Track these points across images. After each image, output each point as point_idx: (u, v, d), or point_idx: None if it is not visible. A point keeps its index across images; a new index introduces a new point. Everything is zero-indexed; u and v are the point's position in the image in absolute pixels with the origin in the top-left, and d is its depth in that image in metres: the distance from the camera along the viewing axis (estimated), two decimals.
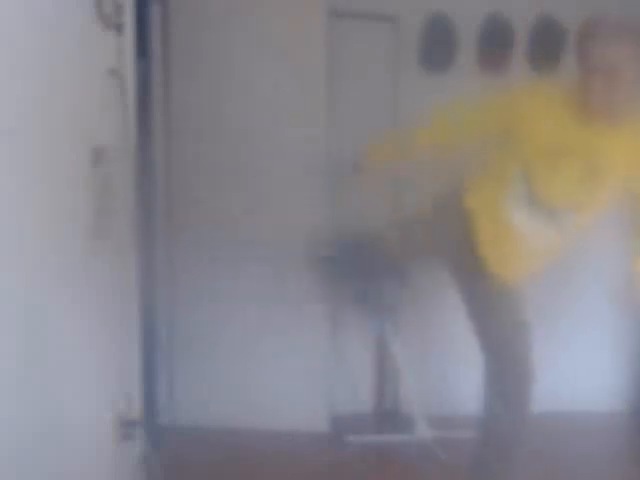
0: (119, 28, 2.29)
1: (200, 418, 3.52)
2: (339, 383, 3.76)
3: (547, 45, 3.69)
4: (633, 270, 2.45)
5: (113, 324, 2.36)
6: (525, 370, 2.54)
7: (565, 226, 2.48)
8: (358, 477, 3.18)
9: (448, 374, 3.78)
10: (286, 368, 3.52)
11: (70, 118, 1.92)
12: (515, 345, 2.58)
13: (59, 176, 1.84)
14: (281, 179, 3.49)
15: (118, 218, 2.33)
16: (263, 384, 3.53)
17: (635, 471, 3.25)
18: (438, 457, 3.27)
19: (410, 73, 3.70)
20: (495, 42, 3.66)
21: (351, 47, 3.67)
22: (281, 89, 3.46)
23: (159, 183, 3.52)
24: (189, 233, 3.52)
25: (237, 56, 3.45)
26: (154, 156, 3.48)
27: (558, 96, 2.39)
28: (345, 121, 3.66)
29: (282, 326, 3.51)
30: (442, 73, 3.68)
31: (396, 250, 2.97)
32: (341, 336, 3.79)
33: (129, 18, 2.47)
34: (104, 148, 2.16)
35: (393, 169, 3.05)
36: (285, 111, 3.46)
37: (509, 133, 2.41)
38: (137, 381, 2.67)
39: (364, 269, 3.60)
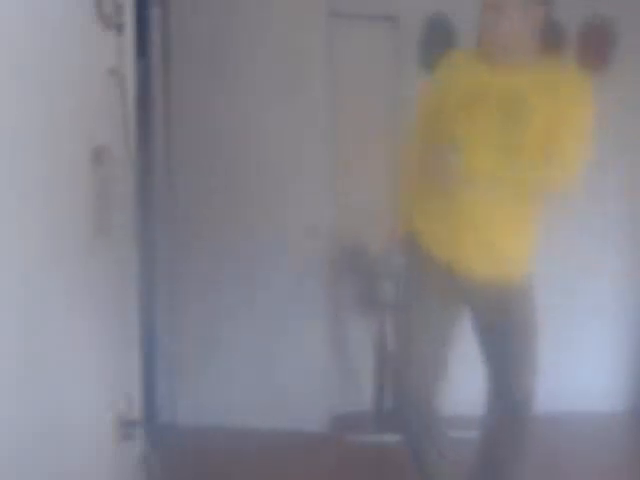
0: (119, 28, 2.29)
1: (200, 418, 3.52)
2: (339, 383, 3.77)
3: (547, 45, 3.68)
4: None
5: (113, 324, 2.36)
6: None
7: (506, 193, 2.27)
8: (358, 477, 3.18)
9: (448, 374, 3.77)
10: (286, 368, 3.52)
11: (70, 118, 1.92)
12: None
13: (59, 176, 1.85)
14: (281, 178, 3.49)
15: (118, 218, 2.33)
16: (263, 384, 3.53)
17: (635, 471, 3.25)
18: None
19: (410, 73, 3.70)
20: None
21: (351, 47, 3.68)
22: (281, 89, 3.46)
23: (159, 183, 3.52)
24: (189, 233, 3.52)
25: (237, 56, 3.45)
26: (154, 156, 3.49)
27: (471, 52, 2.37)
28: (345, 121, 3.66)
29: (282, 326, 3.51)
30: None
31: None
32: (341, 336, 3.80)
33: (129, 18, 2.47)
34: (104, 148, 2.16)
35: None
36: (285, 110, 3.46)
37: (441, 112, 2.36)
38: (137, 381, 2.67)
39: (364, 269, 3.61)
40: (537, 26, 2.25)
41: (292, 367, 3.53)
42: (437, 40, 3.65)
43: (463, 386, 3.72)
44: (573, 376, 3.84)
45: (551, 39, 3.67)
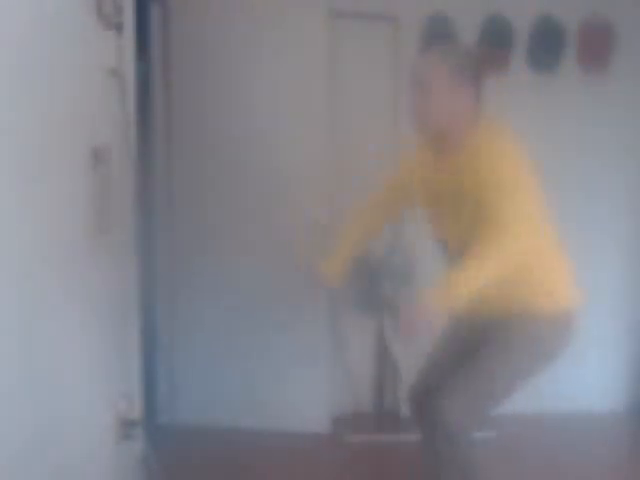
0: (119, 28, 2.30)
1: (200, 418, 3.52)
2: (339, 383, 3.77)
3: (547, 45, 3.69)
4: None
5: (113, 324, 2.36)
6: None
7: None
8: (358, 477, 3.18)
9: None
10: (286, 368, 3.52)
11: (70, 118, 1.92)
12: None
13: (59, 176, 1.85)
14: (281, 177, 3.48)
15: (118, 218, 2.33)
16: (263, 384, 3.53)
17: (635, 471, 3.25)
18: None
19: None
20: (495, 42, 3.66)
21: (351, 47, 3.68)
22: (281, 89, 3.46)
23: (159, 183, 3.52)
24: (189, 233, 3.53)
25: (237, 56, 3.45)
26: (154, 156, 3.49)
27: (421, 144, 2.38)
28: (345, 121, 3.66)
29: (282, 326, 3.51)
30: None
31: None
32: (341, 337, 3.79)
33: (129, 18, 2.47)
34: (104, 148, 2.16)
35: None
36: (285, 111, 3.46)
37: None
38: (137, 381, 2.67)
39: (364, 269, 3.61)
40: (468, 107, 2.18)
41: (292, 368, 3.52)
42: (437, 40, 3.65)
43: None
44: (573, 376, 3.84)
45: (551, 39, 3.69)
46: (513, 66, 3.69)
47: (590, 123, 3.78)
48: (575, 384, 3.84)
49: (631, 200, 3.88)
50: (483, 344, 2.26)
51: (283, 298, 3.50)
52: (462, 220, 2.19)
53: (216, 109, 3.48)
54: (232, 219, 3.50)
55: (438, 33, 3.64)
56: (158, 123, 3.52)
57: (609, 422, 3.77)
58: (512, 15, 3.65)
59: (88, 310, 2.11)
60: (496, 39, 3.66)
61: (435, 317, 2.00)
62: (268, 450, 3.32)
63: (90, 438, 2.16)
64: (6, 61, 1.51)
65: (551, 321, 2.27)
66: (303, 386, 3.54)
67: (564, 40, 3.70)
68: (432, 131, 2.22)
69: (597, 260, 3.82)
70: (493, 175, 2.08)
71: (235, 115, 3.47)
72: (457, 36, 3.64)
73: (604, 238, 3.85)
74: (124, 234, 2.44)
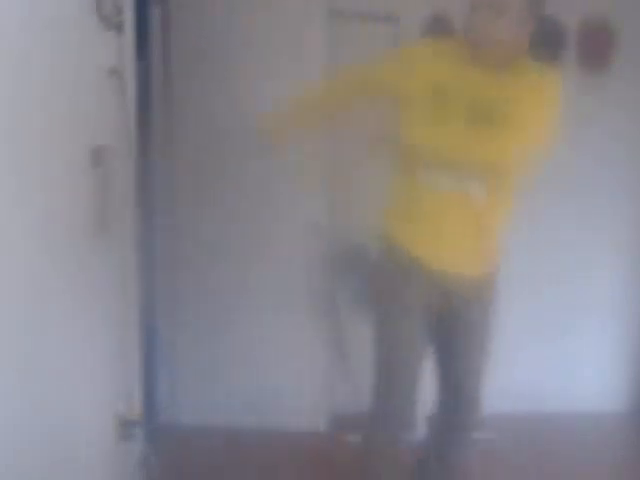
0: (119, 28, 2.30)
1: (200, 418, 3.52)
2: (339, 383, 3.77)
3: (547, 45, 3.69)
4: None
5: (113, 324, 2.36)
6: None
7: (475, 187, 2.20)
8: (358, 477, 3.17)
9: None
10: (286, 367, 3.52)
11: (70, 118, 1.92)
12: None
13: (59, 176, 1.85)
14: (281, 177, 3.48)
15: (118, 218, 2.33)
16: (263, 384, 3.53)
17: (635, 471, 3.25)
18: None
19: None
20: None
21: (351, 47, 3.67)
22: (281, 89, 3.46)
23: (159, 183, 3.52)
24: (189, 233, 3.52)
25: (237, 56, 3.45)
26: (154, 156, 3.49)
27: (447, 46, 2.31)
28: (345, 120, 3.65)
29: (282, 326, 3.51)
30: None
31: None
32: (341, 336, 3.79)
33: (129, 18, 2.47)
34: (104, 148, 2.16)
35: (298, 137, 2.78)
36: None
37: (400, 89, 2.34)
38: (137, 381, 2.67)
39: (364, 269, 3.61)
40: (525, 34, 2.19)
41: (292, 367, 3.53)
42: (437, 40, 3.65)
43: None
44: (573, 376, 3.85)
45: (551, 39, 3.69)
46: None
47: (590, 123, 3.78)
48: (575, 384, 3.84)
49: (631, 200, 3.88)
50: (464, 326, 2.29)
51: (283, 298, 3.51)
52: (487, 140, 2.16)
53: (216, 109, 3.48)
54: (232, 219, 3.50)
55: (438, 33, 3.64)
56: (158, 123, 3.52)
57: (609, 422, 3.77)
58: None
59: (88, 310, 2.11)
60: None
61: None
62: (268, 450, 3.32)
63: (90, 438, 2.16)
64: (5, 61, 1.51)
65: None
66: (303, 386, 3.54)
67: (564, 40, 3.70)
68: (493, 52, 2.18)
69: (597, 260, 3.83)
70: (550, 112, 2.15)
71: (235, 114, 3.47)
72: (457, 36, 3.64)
73: (604, 238, 3.85)
74: (124, 234, 2.44)
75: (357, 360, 3.85)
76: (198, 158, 3.52)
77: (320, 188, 3.52)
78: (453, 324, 2.33)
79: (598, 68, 3.75)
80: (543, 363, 3.86)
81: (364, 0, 3.68)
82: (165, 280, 3.56)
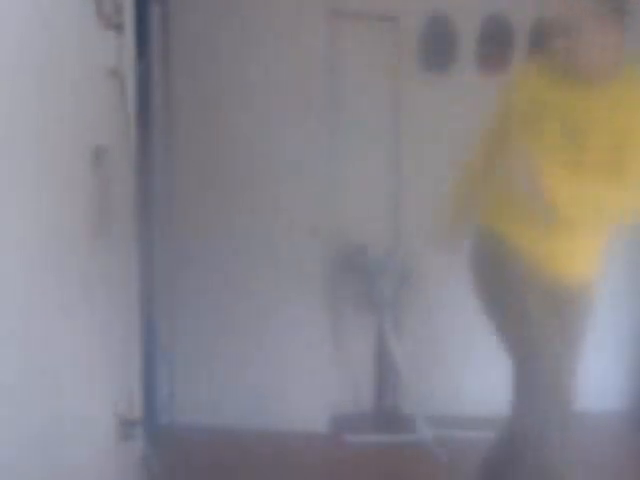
0: (119, 28, 2.30)
1: (200, 418, 3.51)
2: (339, 383, 3.77)
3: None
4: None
5: (113, 324, 2.36)
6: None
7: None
8: (358, 477, 3.18)
9: (448, 374, 3.78)
10: (286, 368, 3.52)
11: (70, 118, 1.92)
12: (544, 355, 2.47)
13: (59, 176, 1.84)
14: (282, 178, 3.48)
15: (118, 218, 2.33)
16: (263, 384, 3.53)
17: (635, 471, 3.25)
18: (438, 457, 3.27)
19: (410, 73, 3.70)
20: (495, 42, 3.66)
21: (351, 47, 3.68)
22: (281, 89, 3.46)
23: (159, 183, 3.52)
24: (189, 233, 3.52)
25: (237, 56, 3.45)
26: (154, 156, 3.48)
27: (544, 70, 2.35)
28: (345, 120, 3.66)
29: (282, 326, 3.51)
30: (442, 73, 3.68)
31: None
32: (341, 335, 3.80)
33: (129, 18, 2.47)
34: (104, 148, 2.16)
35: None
36: (285, 110, 3.46)
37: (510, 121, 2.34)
38: (137, 381, 2.67)
39: (364, 269, 3.61)
40: (618, 40, 2.18)
41: (292, 367, 3.52)
42: (437, 40, 3.65)
43: (463, 386, 3.73)
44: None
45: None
46: (513, 66, 3.68)
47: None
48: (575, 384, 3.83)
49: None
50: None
51: (283, 298, 3.51)
52: (570, 153, 2.17)
53: (216, 109, 3.48)
54: (232, 219, 3.50)
55: (438, 33, 3.64)
56: (158, 123, 3.52)
57: (609, 422, 3.76)
58: (512, 15, 3.65)
59: (88, 310, 2.11)
60: (496, 39, 3.66)
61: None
62: (268, 450, 3.32)
63: (90, 438, 2.16)
64: (5, 61, 1.50)
65: None
66: (303, 386, 3.54)
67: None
68: (593, 69, 2.20)
69: None
70: None
71: (234, 115, 3.47)
72: (457, 36, 3.64)
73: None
74: (124, 234, 2.44)
75: (357, 360, 3.85)
76: (198, 157, 3.52)
77: (321, 189, 3.53)
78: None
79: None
80: None
81: (364, 0, 3.69)
82: (165, 280, 3.56)
